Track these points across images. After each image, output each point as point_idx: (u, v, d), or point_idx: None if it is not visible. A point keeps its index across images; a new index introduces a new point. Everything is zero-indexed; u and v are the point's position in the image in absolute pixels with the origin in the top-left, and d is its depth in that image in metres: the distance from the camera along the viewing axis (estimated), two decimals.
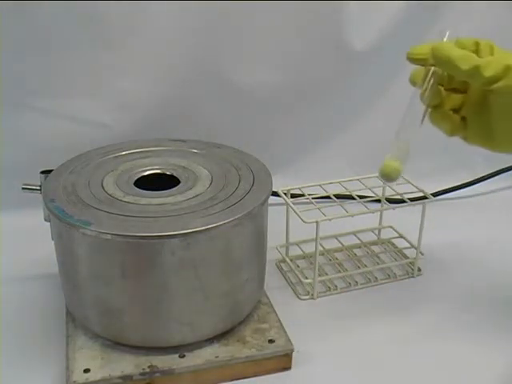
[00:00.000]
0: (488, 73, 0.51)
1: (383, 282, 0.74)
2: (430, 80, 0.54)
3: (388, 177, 0.53)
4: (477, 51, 0.54)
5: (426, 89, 0.54)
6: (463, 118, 0.57)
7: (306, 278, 0.72)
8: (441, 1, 0.89)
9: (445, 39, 0.55)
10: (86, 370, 0.55)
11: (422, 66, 0.55)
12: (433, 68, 0.54)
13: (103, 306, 0.57)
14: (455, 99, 0.57)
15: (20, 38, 0.78)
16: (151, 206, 0.57)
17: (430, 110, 0.57)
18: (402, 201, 0.73)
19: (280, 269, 0.76)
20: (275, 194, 0.69)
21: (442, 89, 0.56)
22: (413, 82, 0.56)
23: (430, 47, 0.54)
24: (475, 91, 0.56)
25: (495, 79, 0.51)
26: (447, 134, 0.58)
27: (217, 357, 0.58)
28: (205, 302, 0.56)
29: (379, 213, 0.79)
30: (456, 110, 0.57)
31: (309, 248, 0.77)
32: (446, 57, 0.52)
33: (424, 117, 0.55)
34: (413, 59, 0.55)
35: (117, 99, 0.85)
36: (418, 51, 0.55)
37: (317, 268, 0.70)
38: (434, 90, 0.55)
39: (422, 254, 0.75)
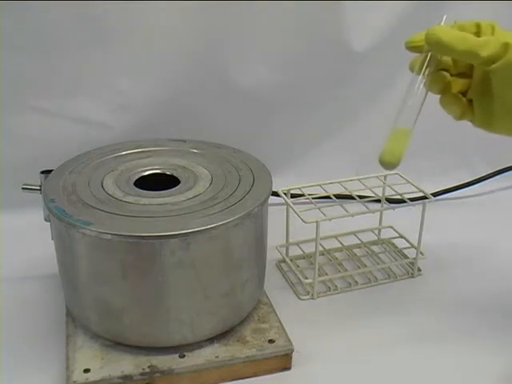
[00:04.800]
0: (485, 52, 0.50)
1: (383, 282, 0.74)
2: (426, 65, 0.53)
3: (388, 164, 0.51)
4: (478, 33, 0.54)
5: (424, 74, 0.53)
6: (470, 102, 0.56)
7: (306, 277, 0.72)
8: (440, 1, 0.89)
9: (442, 23, 0.54)
10: (86, 370, 0.55)
11: (420, 53, 0.54)
12: (429, 54, 0.53)
13: (103, 305, 0.57)
14: (462, 83, 0.56)
15: (20, 37, 0.78)
16: (151, 206, 0.57)
17: (439, 94, 0.56)
18: (402, 201, 0.73)
19: (280, 269, 0.76)
20: (275, 194, 0.69)
21: (447, 74, 0.56)
22: (411, 69, 0.55)
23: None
24: (478, 72, 0.55)
25: (493, 59, 0.50)
26: (456, 118, 0.57)
27: (217, 357, 0.58)
28: (205, 301, 0.56)
29: (379, 213, 0.79)
30: (464, 94, 0.57)
31: (309, 248, 0.77)
32: (438, 39, 0.51)
33: (423, 102, 0.54)
34: (410, 47, 0.55)
35: (117, 99, 0.85)
36: (414, 39, 0.54)
37: (317, 268, 0.70)
38: (435, 76, 0.55)
39: (422, 254, 0.75)
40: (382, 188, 0.76)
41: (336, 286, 0.72)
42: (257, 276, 0.62)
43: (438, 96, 0.57)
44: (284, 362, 0.60)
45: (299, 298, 0.71)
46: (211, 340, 0.59)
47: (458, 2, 0.89)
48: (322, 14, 0.87)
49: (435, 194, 0.84)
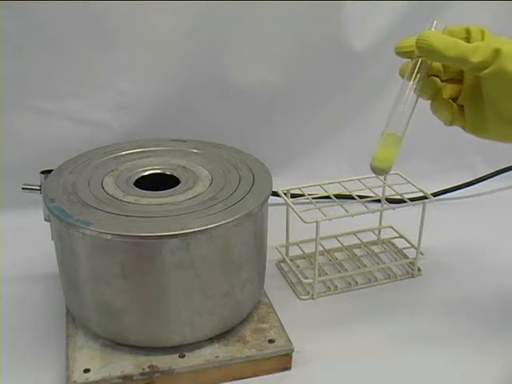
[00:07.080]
0: (476, 58, 0.50)
1: (383, 282, 0.74)
2: (417, 71, 0.53)
3: (378, 170, 0.51)
4: (468, 38, 0.53)
5: (415, 80, 0.53)
6: (461, 107, 0.56)
7: (306, 277, 0.72)
8: (441, 1, 0.89)
9: (432, 28, 0.54)
10: (86, 370, 0.55)
11: (410, 58, 0.54)
12: (420, 59, 0.53)
13: (103, 306, 0.56)
14: (452, 89, 0.56)
15: (20, 37, 0.78)
16: (151, 206, 0.57)
17: (430, 100, 0.56)
18: (402, 201, 0.73)
19: (280, 269, 0.76)
20: (275, 194, 0.69)
21: (438, 79, 0.56)
22: (401, 74, 0.55)
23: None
24: (469, 78, 0.55)
25: (484, 64, 0.50)
26: (446, 124, 0.57)
27: (217, 357, 0.58)
28: (205, 301, 0.56)
29: (379, 213, 0.79)
30: (454, 100, 0.56)
31: (309, 248, 0.77)
32: (429, 46, 0.50)
33: (414, 108, 0.53)
34: (400, 53, 0.55)
35: (117, 99, 0.85)
36: (404, 44, 0.54)
37: (317, 268, 0.69)
38: (425, 82, 0.54)
39: (422, 254, 0.75)
40: (382, 188, 0.76)
41: (336, 286, 0.72)
42: (257, 276, 0.62)
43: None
44: (284, 362, 0.60)
45: (299, 298, 0.71)
46: (211, 340, 0.59)
47: (458, 2, 0.89)
48: (322, 14, 0.87)
49: (435, 194, 0.84)
